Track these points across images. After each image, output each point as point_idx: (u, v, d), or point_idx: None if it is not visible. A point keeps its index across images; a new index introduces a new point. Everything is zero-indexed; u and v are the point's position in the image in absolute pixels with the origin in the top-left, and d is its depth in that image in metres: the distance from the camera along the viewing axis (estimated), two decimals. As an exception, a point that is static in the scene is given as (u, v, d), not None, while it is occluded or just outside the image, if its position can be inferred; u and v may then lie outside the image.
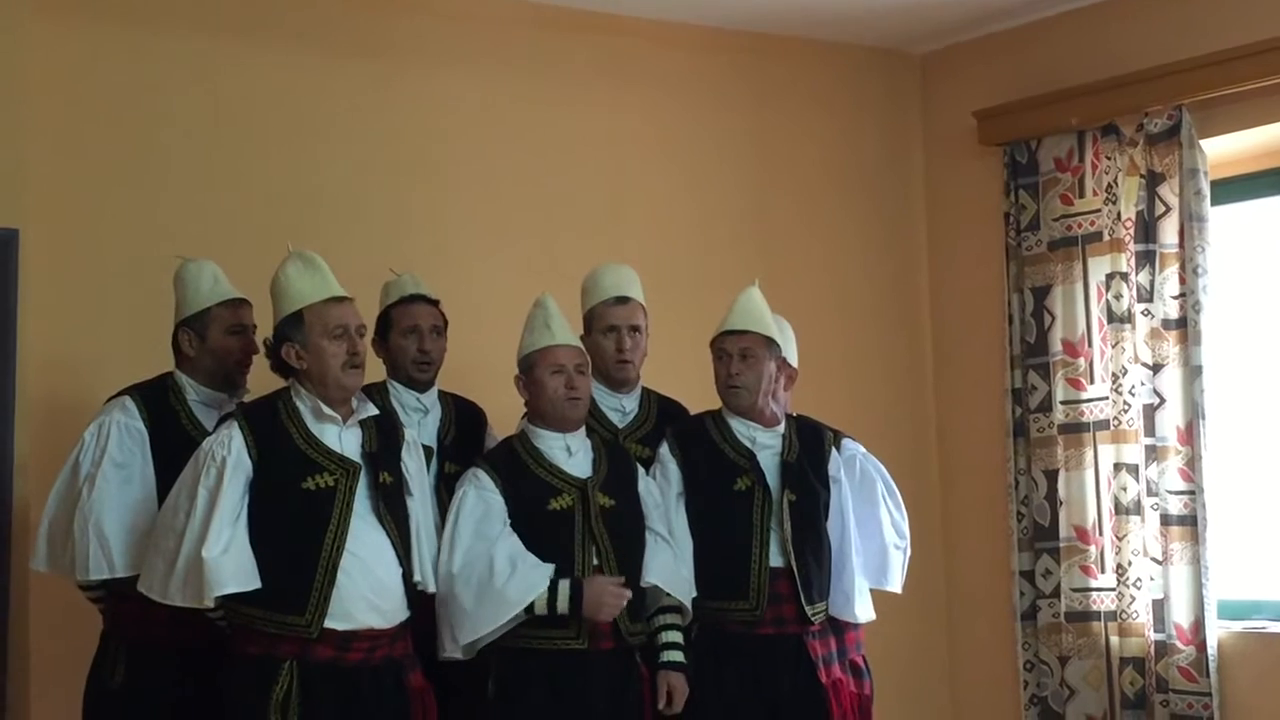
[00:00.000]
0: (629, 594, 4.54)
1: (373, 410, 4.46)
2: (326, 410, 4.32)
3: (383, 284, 5.17)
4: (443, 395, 5.17)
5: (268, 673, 4.17)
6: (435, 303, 5.15)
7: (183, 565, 4.13)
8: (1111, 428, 6.27)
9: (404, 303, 5.10)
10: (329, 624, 4.18)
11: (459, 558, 4.50)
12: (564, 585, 4.48)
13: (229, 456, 4.20)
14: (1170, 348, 6.11)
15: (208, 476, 4.18)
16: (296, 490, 4.22)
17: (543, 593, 4.47)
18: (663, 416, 5.16)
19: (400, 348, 5.06)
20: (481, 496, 4.59)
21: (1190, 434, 6.04)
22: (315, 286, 4.35)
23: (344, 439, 4.34)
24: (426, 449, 4.80)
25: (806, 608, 4.81)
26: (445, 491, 4.74)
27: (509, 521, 4.56)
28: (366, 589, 4.25)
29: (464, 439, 5.12)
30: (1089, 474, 6.34)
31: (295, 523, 4.21)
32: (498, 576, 4.46)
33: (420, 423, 4.97)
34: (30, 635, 5.04)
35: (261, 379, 4.69)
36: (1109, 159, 6.34)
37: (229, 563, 4.12)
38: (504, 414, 5.12)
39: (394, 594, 4.33)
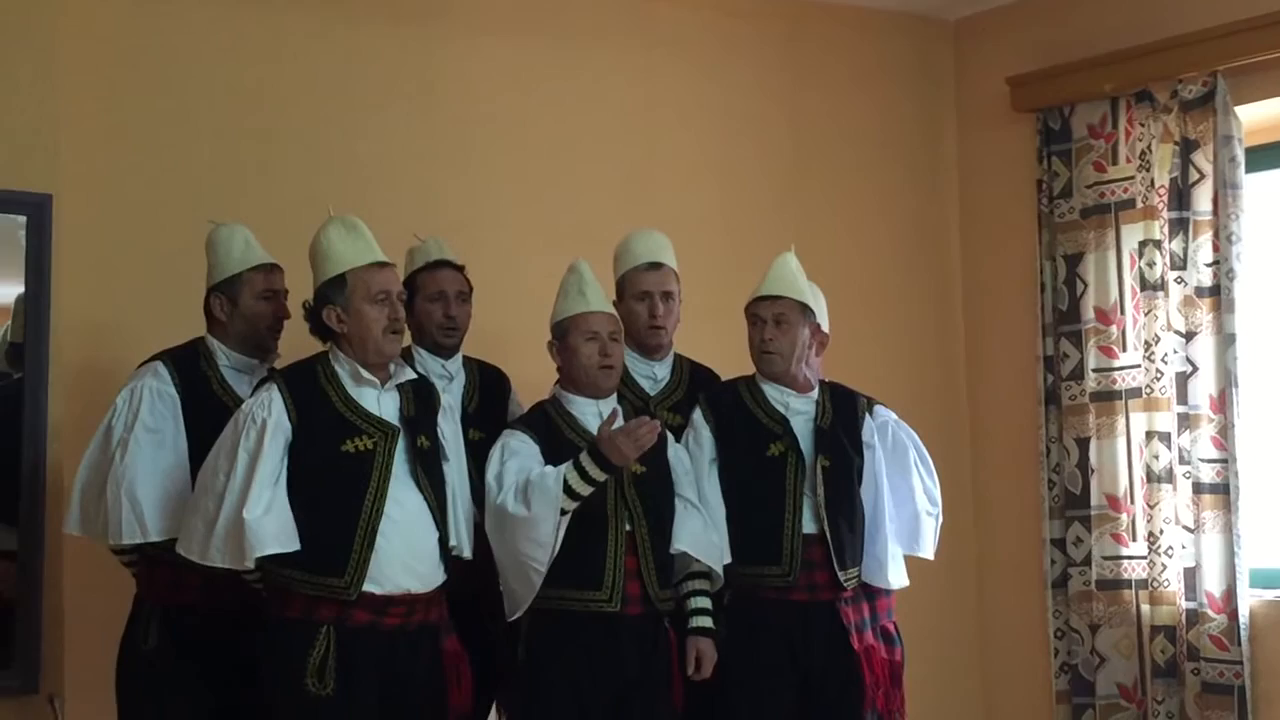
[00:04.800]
0: (654, 424, 4.49)
1: (410, 375, 4.48)
2: (365, 374, 4.33)
3: (407, 249, 5.17)
4: (467, 361, 5.17)
5: (305, 636, 4.19)
6: (460, 268, 5.15)
7: (223, 526, 4.15)
8: (1144, 395, 6.26)
9: (429, 268, 5.11)
10: (367, 587, 4.20)
11: (506, 490, 4.50)
12: (584, 455, 4.46)
13: (269, 419, 4.21)
14: (1203, 315, 6.08)
15: (248, 438, 4.20)
16: (335, 453, 4.24)
17: (570, 468, 4.45)
18: (694, 383, 5.15)
19: (426, 313, 5.06)
20: (522, 445, 4.61)
21: (1223, 402, 6.02)
22: (359, 251, 4.35)
23: (382, 402, 4.35)
24: (452, 415, 4.81)
25: (839, 573, 4.81)
26: (470, 458, 4.72)
27: None
28: (404, 552, 4.26)
29: (488, 405, 5.13)
30: (1121, 442, 6.33)
31: (334, 485, 4.22)
32: (534, 475, 4.47)
33: (445, 389, 4.95)
34: (64, 598, 5.05)
35: (292, 345, 4.70)
36: (1143, 125, 6.31)
37: (270, 524, 4.14)
38: (529, 380, 5.13)
39: (430, 558, 4.34)
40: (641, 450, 4.47)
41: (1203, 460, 6.06)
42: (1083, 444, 6.45)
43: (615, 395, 4.78)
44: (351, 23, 5.85)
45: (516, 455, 4.58)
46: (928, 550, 5.15)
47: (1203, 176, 6.10)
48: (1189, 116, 6.13)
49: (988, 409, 7.08)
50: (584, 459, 4.45)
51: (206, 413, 4.56)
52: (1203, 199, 6.10)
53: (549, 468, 4.50)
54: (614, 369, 4.72)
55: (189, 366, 4.66)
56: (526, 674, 4.58)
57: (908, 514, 5.08)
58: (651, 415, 4.83)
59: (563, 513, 4.44)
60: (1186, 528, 6.12)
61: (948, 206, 7.20)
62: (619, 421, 4.54)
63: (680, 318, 5.15)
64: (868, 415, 5.05)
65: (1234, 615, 5.94)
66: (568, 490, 4.43)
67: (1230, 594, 5.96)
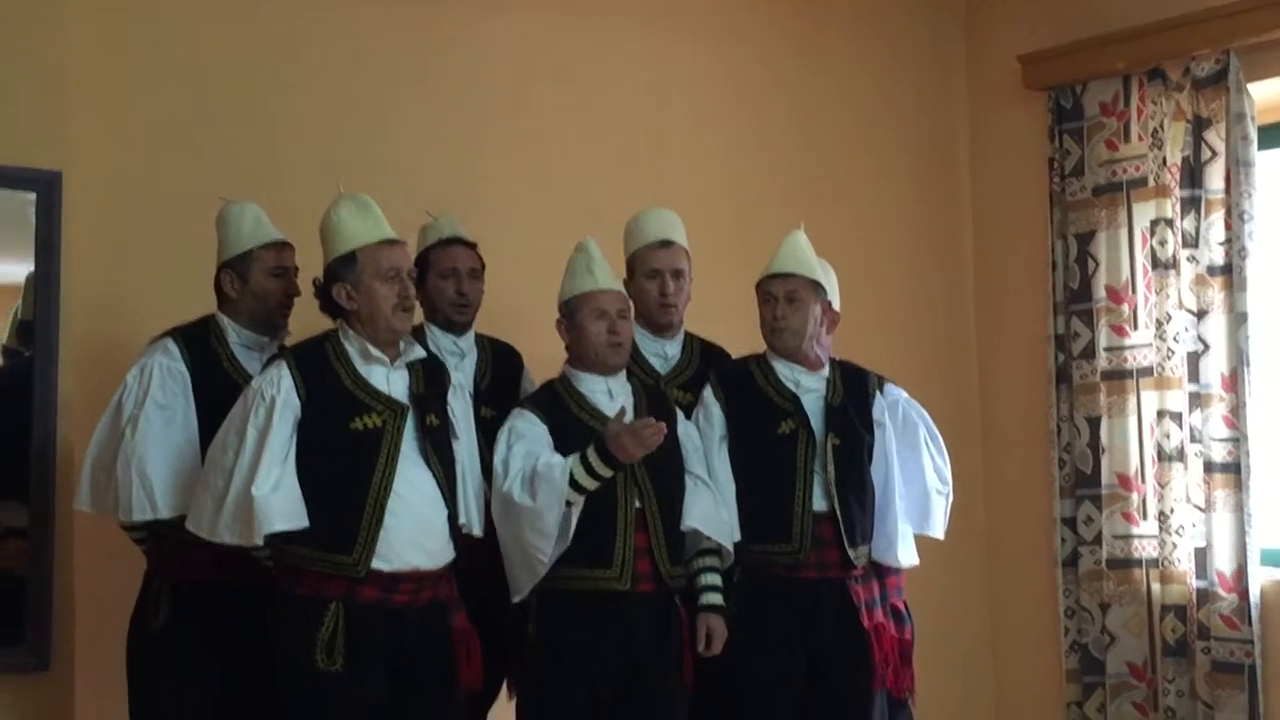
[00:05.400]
0: (659, 426, 4.42)
1: (420, 353, 4.47)
2: (374, 352, 4.33)
3: (420, 226, 5.16)
4: (479, 338, 5.17)
5: (314, 613, 4.19)
6: (473, 245, 5.14)
7: (232, 503, 4.15)
8: (1155, 374, 6.26)
9: (442, 245, 5.10)
10: (376, 564, 4.20)
11: (512, 478, 4.49)
12: (591, 450, 4.43)
13: (278, 396, 4.21)
14: (1215, 294, 6.07)
15: (256, 415, 4.20)
16: (344, 430, 4.24)
17: (577, 462, 4.42)
18: (705, 361, 5.15)
19: (438, 290, 5.07)
20: (529, 427, 4.59)
21: (1234, 381, 6.02)
22: (369, 228, 4.36)
23: (392, 380, 4.35)
24: (463, 392, 4.81)
25: (849, 551, 4.80)
26: (481, 435, 4.73)
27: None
28: (413, 529, 4.26)
29: (500, 383, 5.12)
30: (1132, 421, 6.33)
31: (343, 463, 4.22)
32: (540, 465, 4.44)
33: (457, 366, 4.96)
34: (75, 575, 5.06)
35: (302, 322, 4.70)
36: (1155, 104, 6.30)
37: (278, 501, 4.14)
38: (543, 356, 5.11)
39: (440, 535, 4.34)
40: (646, 450, 4.43)
41: (1214, 439, 6.06)
42: (1093, 423, 6.45)
43: (625, 373, 4.77)
44: (362, 1, 5.83)
45: (523, 439, 4.57)
46: (938, 529, 5.15)
47: (1215, 154, 6.08)
48: (1201, 94, 6.12)
49: (998, 387, 7.07)
50: (590, 454, 4.43)
51: (217, 389, 4.55)
52: (1215, 177, 6.09)
53: (556, 458, 4.48)
54: (623, 346, 4.71)
55: (199, 343, 4.66)
56: (537, 652, 4.57)
57: (918, 492, 5.07)
58: (662, 393, 4.87)
59: (568, 504, 4.44)
60: (1197, 507, 6.11)
61: (959, 185, 7.19)
62: (629, 416, 4.54)
63: (691, 296, 5.14)
64: (878, 393, 5.04)
65: (1245, 594, 5.94)
66: (573, 484, 4.42)
67: (1241, 573, 5.96)
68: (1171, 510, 6.16)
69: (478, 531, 4.51)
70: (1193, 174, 6.15)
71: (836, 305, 5.09)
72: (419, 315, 4.95)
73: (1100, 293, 6.45)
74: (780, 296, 4.88)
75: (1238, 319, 5.99)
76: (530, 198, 6.03)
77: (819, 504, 4.80)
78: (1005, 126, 7.01)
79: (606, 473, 4.44)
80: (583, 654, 4.52)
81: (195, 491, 4.30)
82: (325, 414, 4.25)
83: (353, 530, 4.19)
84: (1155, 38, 6.25)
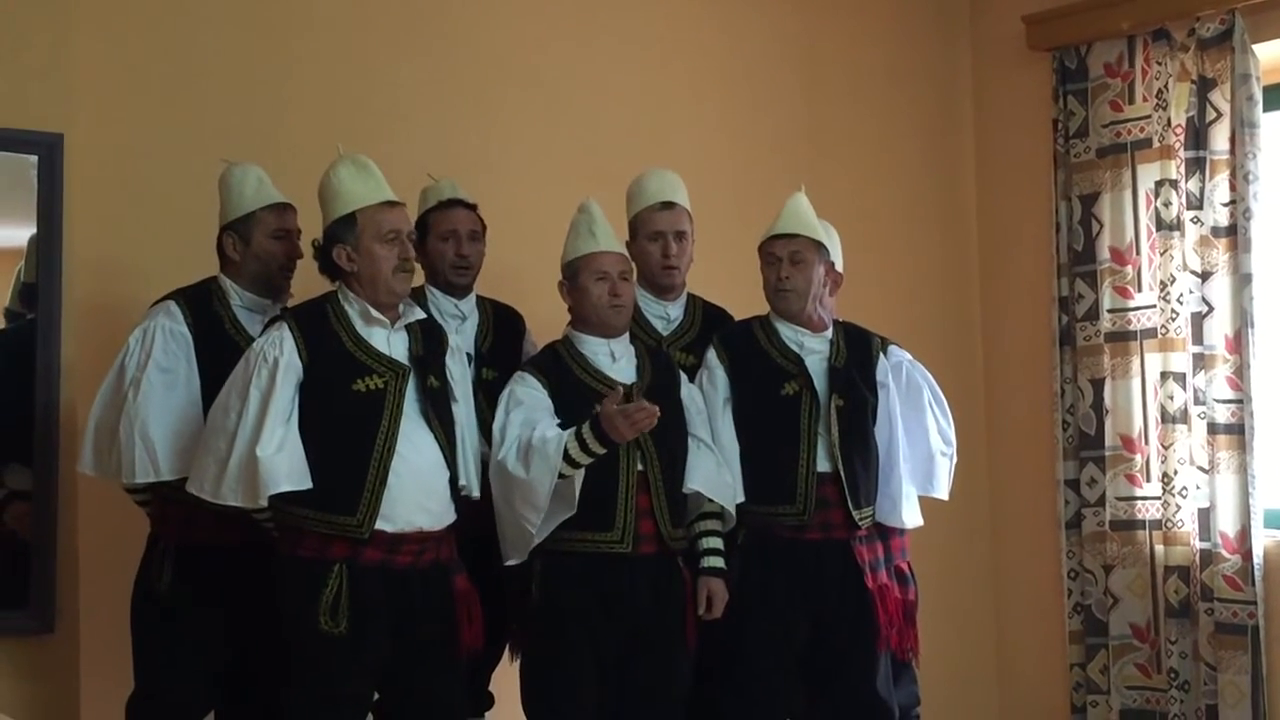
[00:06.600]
0: (652, 410, 4.40)
1: (419, 315, 4.47)
2: (375, 314, 4.33)
3: (420, 189, 5.15)
4: (481, 301, 5.17)
5: (318, 575, 4.20)
6: (473, 207, 5.13)
7: (235, 465, 4.16)
8: (1159, 336, 6.24)
9: (442, 207, 5.10)
10: (379, 525, 4.21)
11: (508, 446, 4.49)
12: (586, 428, 4.41)
13: (281, 357, 4.21)
14: (1219, 255, 6.06)
15: (259, 377, 4.19)
16: (347, 392, 4.24)
17: (572, 437, 4.40)
18: (708, 323, 5.14)
19: (438, 252, 5.06)
20: (529, 392, 4.59)
21: (1238, 342, 6.01)
22: (369, 189, 4.35)
23: (392, 342, 4.35)
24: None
25: (854, 512, 4.80)
26: (483, 397, 4.73)
27: (558, 422, 4.55)
28: (416, 491, 4.27)
29: (502, 345, 5.12)
30: (1135, 382, 6.32)
31: (346, 424, 4.23)
32: (536, 438, 4.44)
33: (458, 329, 4.96)
34: (79, 537, 5.06)
35: (304, 285, 4.69)
36: (1159, 64, 6.28)
37: (283, 462, 4.15)
38: (544, 320, 5.12)
39: (442, 496, 4.35)
40: (638, 432, 4.42)
41: (1218, 401, 6.05)
42: (1097, 385, 6.44)
43: (628, 335, 4.77)
44: (363, -40, 5.82)
45: (521, 405, 4.57)
46: (942, 490, 5.16)
47: (1220, 115, 6.06)
48: (1206, 55, 6.09)
49: (1002, 349, 7.06)
50: (585, 431, 4.41)
51: (219, 352, 4.54)
52: (1219, 138, 6.07)
53: (552, 431, 4.47)
54: (624, 308, 4.71)
55: (202, 306, 4.65)
56: (540, 615, 4.58)
57: (922, 454, 5.08)
58: (664, 355, 4.88)
59: (561, 476, 4.42)
60: (1201, 468, 6.11)
61: (963, 146, 7.17)
62: (632, 378, 4.56)
63: (693, 257, 5.13)
64: (882, 355, 5.04)
65: (1248, 555, 5.94)
66: (567, 458, 4.41)
67: (1244, 534, 5.96)
68: (1175, 472, 6.16)
69: (476, 494, 4.52)
70: (1197, 135, 6.13)
71: (840, 266, 5.08)
72: (419, 278, 4.96)
73: (1104, 254, 6.44)
74: (784, 257, 4.88)
75: (1242, 280, 5.98)
76: (532, 159, 6.02)
77: (823, 465, 4.80)
78: (1009, 87, 6.99)
79: (600, 450, 4.43)
80: (586, 616, 4.53)
81: (197, 454, 4.30)
82: (327, 376, 4.24)
83: (356, 491, 4.19)
84: (1160, -2, 6.23)
